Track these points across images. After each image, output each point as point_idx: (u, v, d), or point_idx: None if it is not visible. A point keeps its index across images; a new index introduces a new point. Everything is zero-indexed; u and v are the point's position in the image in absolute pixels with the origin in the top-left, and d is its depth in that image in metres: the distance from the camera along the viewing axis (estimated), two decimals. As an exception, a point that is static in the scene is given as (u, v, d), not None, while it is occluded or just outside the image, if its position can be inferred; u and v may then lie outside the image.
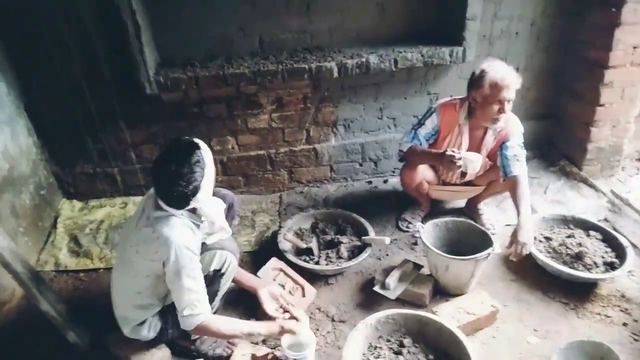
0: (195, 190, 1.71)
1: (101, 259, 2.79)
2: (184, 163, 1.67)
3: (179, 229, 1.77)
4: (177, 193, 1.68)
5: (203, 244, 1.94)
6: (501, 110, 2.37)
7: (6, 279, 2.33)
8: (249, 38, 2.95)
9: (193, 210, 1.84)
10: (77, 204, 3.20)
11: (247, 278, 2.24)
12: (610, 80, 2.96)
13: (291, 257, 2.57)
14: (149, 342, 2.05)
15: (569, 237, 2.60)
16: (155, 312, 1.97)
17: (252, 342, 2.15)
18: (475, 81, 2.41)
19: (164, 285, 1.85)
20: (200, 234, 1.89)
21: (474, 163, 2.35)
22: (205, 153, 1.77)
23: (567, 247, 2.51)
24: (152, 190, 1.90)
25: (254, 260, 2.74)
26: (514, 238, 2.36)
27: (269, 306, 2.12)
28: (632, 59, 2.91)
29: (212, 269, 1.95)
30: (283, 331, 1.93)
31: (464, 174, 2.76)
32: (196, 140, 1.79)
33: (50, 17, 2.57)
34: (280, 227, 2.91)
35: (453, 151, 2.34)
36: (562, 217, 2.74)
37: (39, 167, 2.94)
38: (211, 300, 1.93)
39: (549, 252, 2.54)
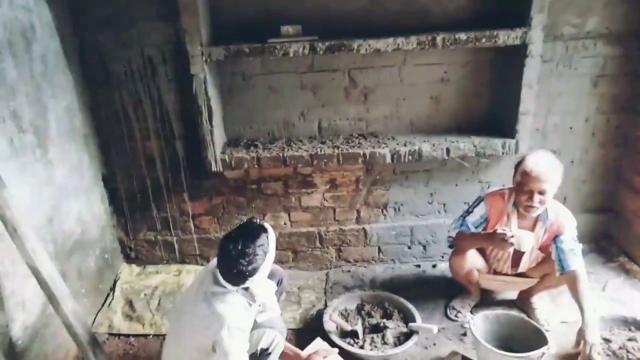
0: (254, 272, 1.81)
1: (152, 325, 2.89)
2: (250, 244, 1.79)
3: (233, 307, 1.85)
4: (237, 271, 1.78)
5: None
6: (529, 200, 2.39)
7: (63, 338, 2.46)
8: (309, 123, 3.16)
9: (246, 289, 1.92)
10: (136, 269, 3.37)
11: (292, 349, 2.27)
12: (669, 177, 2.90)
13: (335, 339, 2.55)
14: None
15: (630, 340, 2.45)
16: None
17: None
18: (515, 168, 2.49)
19: None
20: (252, 311, 1.95)
21: (526, 240, 2.33)
22: (271, 238, 1.89)
23: (628, 351, 2.36)
24: (210, 265, 2.01)
25: (298, 338, 2.74)
26: (582, 338, 2.27)
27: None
28: (692, 157, 2.86)
29: (259, 347, 1.99)
30: None
31: (515, 264, 2.71)
32: (266, 224, 1.92)
33: (137, 98, 2.92)
34: (325, 305, 2.93)
35: (504, 230, 2.35)
36: (623, 318, 2.59)
37: (106, 232, 3.17)
38: None
39: (608, 355, 2.39)
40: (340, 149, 2.96)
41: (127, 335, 2.85)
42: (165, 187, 3.17)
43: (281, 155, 2.93)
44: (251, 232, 1.85)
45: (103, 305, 3.05)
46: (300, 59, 2.90)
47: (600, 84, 3.03)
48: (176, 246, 3.37)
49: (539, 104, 2.99)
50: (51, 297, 2.11)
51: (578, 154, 3.23)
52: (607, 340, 2.48)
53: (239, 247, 1.78)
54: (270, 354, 2.02)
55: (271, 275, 2.19)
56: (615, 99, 3.08)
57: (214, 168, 2.94)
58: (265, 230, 1.87)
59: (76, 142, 2.85)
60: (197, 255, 3.40)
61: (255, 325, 2.01)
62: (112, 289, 3.17)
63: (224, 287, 1.87)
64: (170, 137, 3.02)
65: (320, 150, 2.95)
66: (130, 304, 3.05)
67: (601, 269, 3.24)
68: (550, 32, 2.84)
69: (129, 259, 3.40)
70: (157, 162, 3.09)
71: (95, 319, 2.94)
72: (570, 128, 3.14)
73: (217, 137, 2.93)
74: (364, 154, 2.94)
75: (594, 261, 3.29)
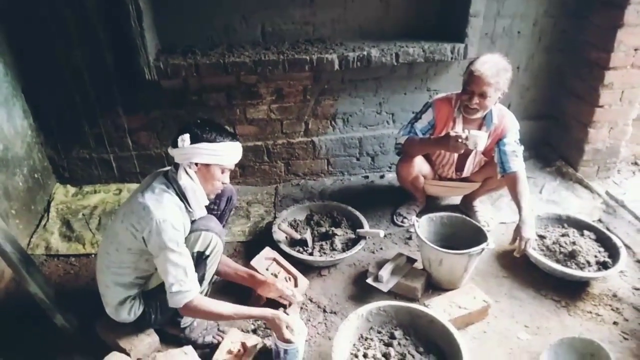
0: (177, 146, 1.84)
1: (93, 245, 2.77)
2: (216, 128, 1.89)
3: (166, 203, 1.80)
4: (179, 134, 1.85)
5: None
6: (469, 100, 2.38)
7: (-4, 260, 2.33)
8: (251, 28, 2.94)
9: (183, 195, 1.87)
10: (71, 189, 3.18)
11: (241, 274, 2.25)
12: (610, 81, 2.96)
13: (285, 248, 2.56)
14: (137, 327, 2.05)
15: (562, 235, 2.60)
16: (135, 294, 1.97)
17: (242, 330, 2.15)
18: (466, 67, 2.45)
19: (146, 264, 1.89)
20: (188, 216, 1.91)
21: (482, 139, 2.34)
22: (224, 144, 1.88)
23: (561, 246, 2.52)
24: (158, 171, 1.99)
25: (248, 250, 2.73)
26: (518, 234, 2.36)
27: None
28: (632, 60, 2.92)
29: (196, 250, 1.88)
30: (274, 318, 1.90)
31: (459, 168, 2.76)
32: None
33: (53, 1, 2.55)
34: (275, 218, 2.90)
35: (456, 132, 2.34)
36: (557, 216, 2.74)
37: (33, 150, 2.92)
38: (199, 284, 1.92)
39: (542, 250, 2.54)
40: (285, 54, 2.80)
41: (67, 256, 2.72)
42: (96, 100, 2.90)
43: (222, 61, 2.73)
44: (217, 129, 1.89)
45: (37, 227, 2.88)
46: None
47: (550, -15, 2.98)
48: (114, 164, 3.18)
49: (489, 6, 2.92)
50: (-28, 215, 1.94)
51: (524, 60, 3.23)
52: (541, 237, 2.63)
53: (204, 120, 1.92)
54: (208, 256, 1.95)
55: (221, 193, 2.13)
56: (563, 1, 3.05)
57: (147, 76, 2.70)
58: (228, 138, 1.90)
59: (-15, 49, 2.54)
60: (138, 173, 3.23)
61: (191, 229, 1.92)
62: (47, 210, 2.99)
63: (165, 179, 1.88)
64: (96, 44, 2.70)
65: (265, 57, 2.77)
66: (67, 224, 2.90)
67: (539, 174, 3.38)
68: None
69: (62, 179, 3.19)
70: (84, 72, 2.78)
71: (30, 240, 2.78)
72: (519, 32, 3.10)
73: (150, 41, 2.67)
74: (311, 60, 2.80)
75: (533, 166, 3.43)
